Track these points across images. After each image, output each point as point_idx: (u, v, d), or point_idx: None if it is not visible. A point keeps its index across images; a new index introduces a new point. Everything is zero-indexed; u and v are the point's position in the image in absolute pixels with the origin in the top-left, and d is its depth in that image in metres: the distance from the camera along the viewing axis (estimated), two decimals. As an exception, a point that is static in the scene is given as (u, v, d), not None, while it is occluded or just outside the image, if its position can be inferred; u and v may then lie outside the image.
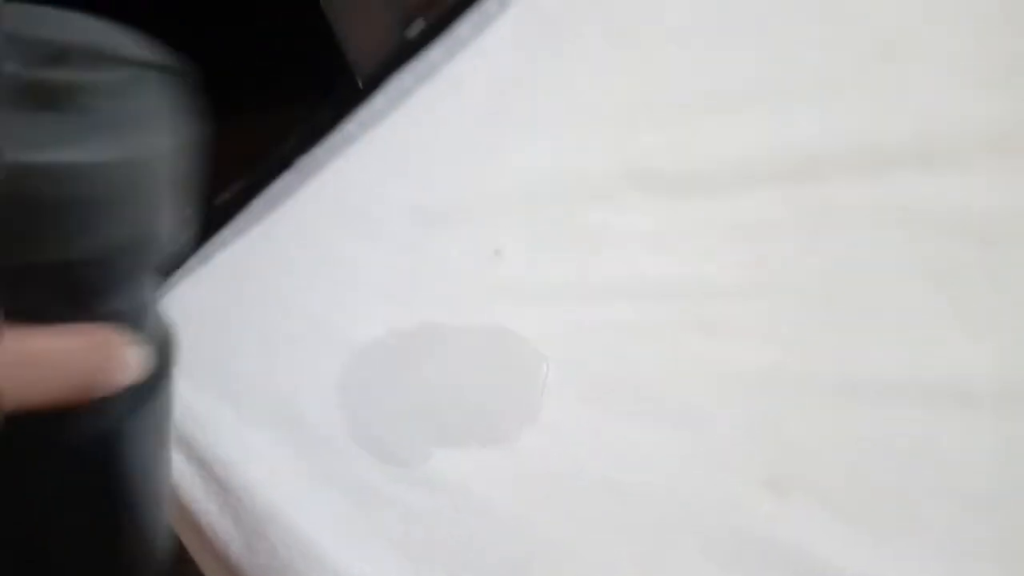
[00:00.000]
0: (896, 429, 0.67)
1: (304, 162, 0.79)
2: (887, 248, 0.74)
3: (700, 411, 0.69)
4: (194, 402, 0.69)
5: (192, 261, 0.75)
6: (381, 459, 0.68)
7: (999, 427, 0.62)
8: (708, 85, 0.81)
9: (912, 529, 0.63)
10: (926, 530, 0.63)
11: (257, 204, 0.77)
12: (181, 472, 0.67)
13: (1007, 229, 0.69)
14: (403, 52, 0.80)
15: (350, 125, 0.79)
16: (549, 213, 0.77)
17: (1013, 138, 0.73)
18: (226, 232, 0.76)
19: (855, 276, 0.74)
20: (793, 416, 0.68)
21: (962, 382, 0.65)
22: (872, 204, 0.76)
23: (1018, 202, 0.70)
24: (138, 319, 0.30)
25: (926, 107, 0.78)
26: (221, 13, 0.72)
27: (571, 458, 0.67)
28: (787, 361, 0.70)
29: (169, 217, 0.29)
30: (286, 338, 0.72)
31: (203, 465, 0.67)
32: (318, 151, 0.79)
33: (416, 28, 0.81)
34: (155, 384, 0.32)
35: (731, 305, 0.73)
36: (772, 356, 0.71)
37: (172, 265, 0.75)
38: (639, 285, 0.74)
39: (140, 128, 0.27)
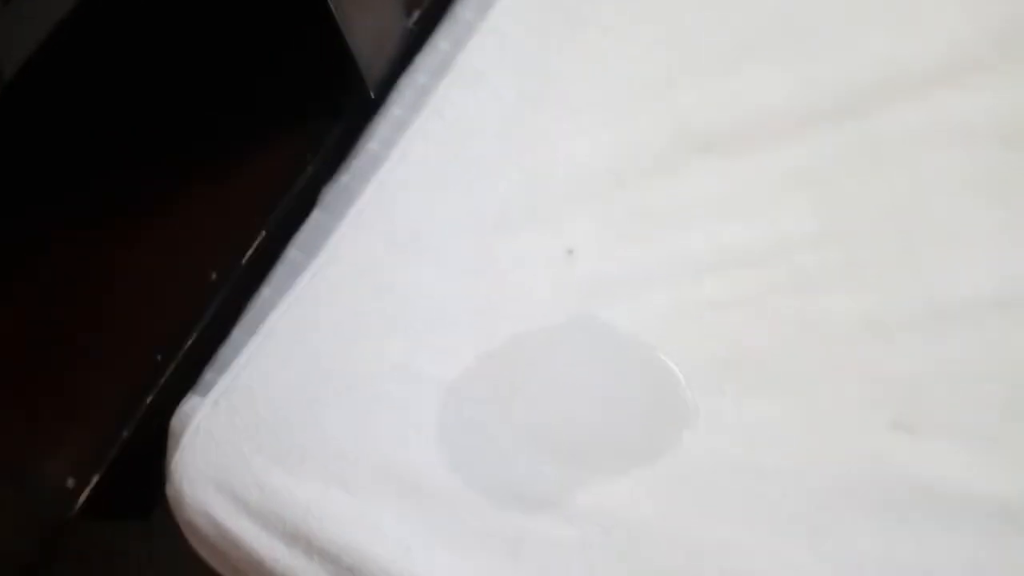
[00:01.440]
0: (998, 346, 0.69)
1: (333, 196, 0.69)
2: (941, 170, 0.74)
3: (815, 373, 0.67)
4: (297, 491, 0.61)
5: (237, 332, 0.66)
6: (510, 505, 0.63)
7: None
8: (734, 35, 0.78)
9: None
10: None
11: (292, 253, 0.68)
12: (304, 572, 0.60)
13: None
14: (408, 43, 0.71)
15: (371, 143, 0.71)
16: (611, 197, 0.72)
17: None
18: (267, 292, 0.67)
19: (918, 204, 0.73)
20: (899, 355, 0.68)
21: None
22: (916, 127, 0.76)
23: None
24: None
25: (945, 24, 0.78)
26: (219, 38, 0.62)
27: (710, 450, 0.65)
28: (880, 303, 0.69)
29: None
30: (373, 395, 0.65)
31: (329, 558, 0.60)
32: (345, 180, 0.70)
33: (415, 16, 0.72)
34: None
35: (813, 258, 0.71)
36: (866, 302, 0.70)
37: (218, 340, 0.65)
38: (720, 256, 0.71)
39: None
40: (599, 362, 0.68)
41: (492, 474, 0.64)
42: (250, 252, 0.67)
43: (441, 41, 0.75)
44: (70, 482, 0.61)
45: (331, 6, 0.64)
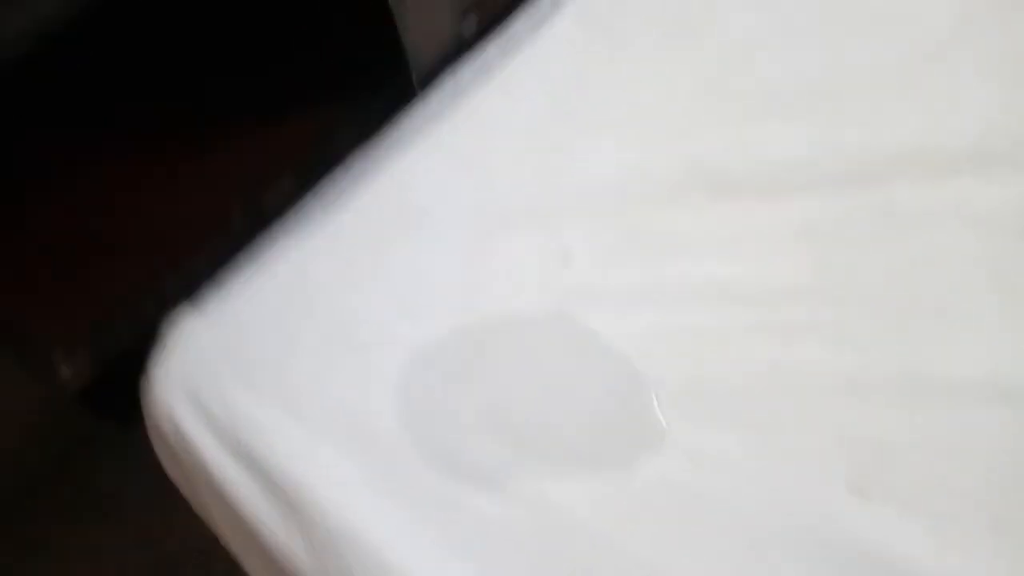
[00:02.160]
0: (976, 431, 0.67)
1: (360, 162, 0.75)
2: (950, 250, 0.75)
3: (781, 417, 0.67)
4: (258, 415, 0.64)
5: (242, 260, 0.71)
6: (452, 473, 0.65)
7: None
8: (766, 86, 0.80)
9: (999, 532, 0.63)
10: (1014, 534, 0.63)
11: (311, 205, 0.73)
12: (246, 490, 0.63)
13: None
14: (459, 50, 0.77)
15: (406, 125, 0.76)
16: (616, 216, 0.75)
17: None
18: (279, 234, 0.72)
19: (921, 278, 0.73)
20: (871, 420, 0.67)
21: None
22: (933, 207, 0.76)
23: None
24: None
25: (980, 107, 0.79)
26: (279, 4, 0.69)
27: (653, 467, 0.65)
28: (861, 365, 0.69)
29: None
30: (349, 345, 0.68)
31: (269, 482, 0.63)
32: (374, 151, 0.75)
33: (471, 25, 0.78)
34: None
35: (803, 310, 0.72)
36: (847, 361, 0.70)
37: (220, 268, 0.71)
38: (712, 290, 0.72)
39: None
40: (573, 362, 0.69)
41: (442, 442, 0.66)
42: (273, 195, 0.72)
43: (490, 48, 0.81)
44: (64, 369, 0.66)
45: (392, 7, 0.70)
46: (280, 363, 0.67)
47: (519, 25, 0.82)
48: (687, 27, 0.84)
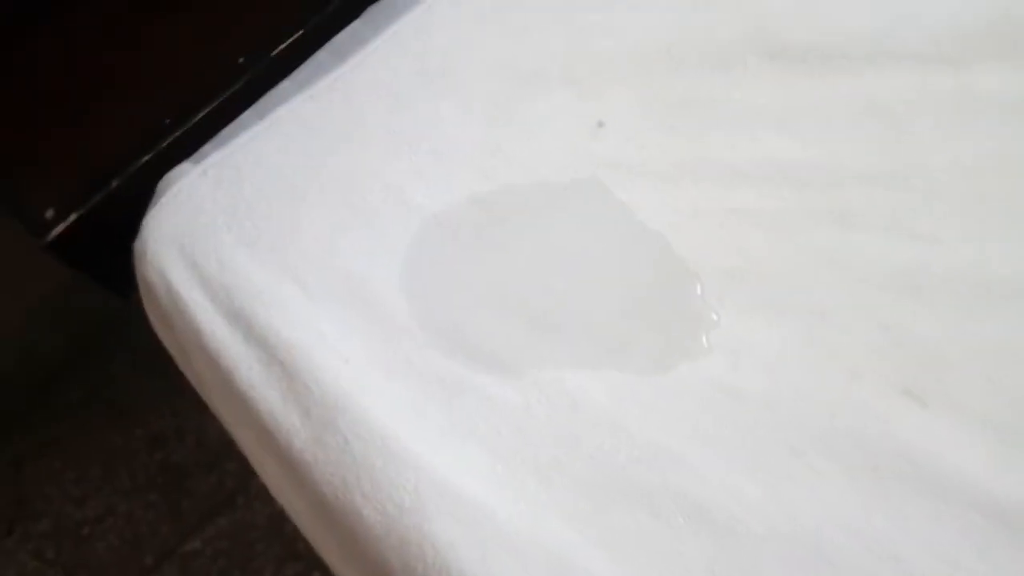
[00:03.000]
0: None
1: (376, 12, 0.68)
2: (1031, 141, 0.67)
3: (830, 311, 0.61)
4: (255, 276, 0.59)
5: (247, 115, 0.65)
6: (462, 353, 0.59)
7: None
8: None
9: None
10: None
11: (322, 55, 0.66)
12: (237, 354, 0.58)
13: None
14: None
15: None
16: (662, 82, 0.67)
17: None
18: (286, 84, 0.66)
19: (995, 168, 0.65)
20: (931, 320, 0.60)
21: None
22: (1014, 93, 0.68)
23: None
24: None
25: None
26: None
27: (682, 354, 0.59)
28: (924, 260, 0.62)
29: None
30: (357, 208, 0.62)
31: (265, 348, 0.58)
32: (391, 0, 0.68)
33: None
34: None
35: (864, 194, 0.65)
36: (908, 254, 0.63)
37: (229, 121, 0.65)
38: (764, 169, 0.65)
39: None
40: (603, 238, 0.63)
41: (451, 318, 0.60)
42: (282, 46, 0.66)
43: None
44: (49, 212, 0.62)
45: None
46: (283, 225, 0.62)
47: None
48: None
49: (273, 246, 0.61)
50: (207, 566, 0.98)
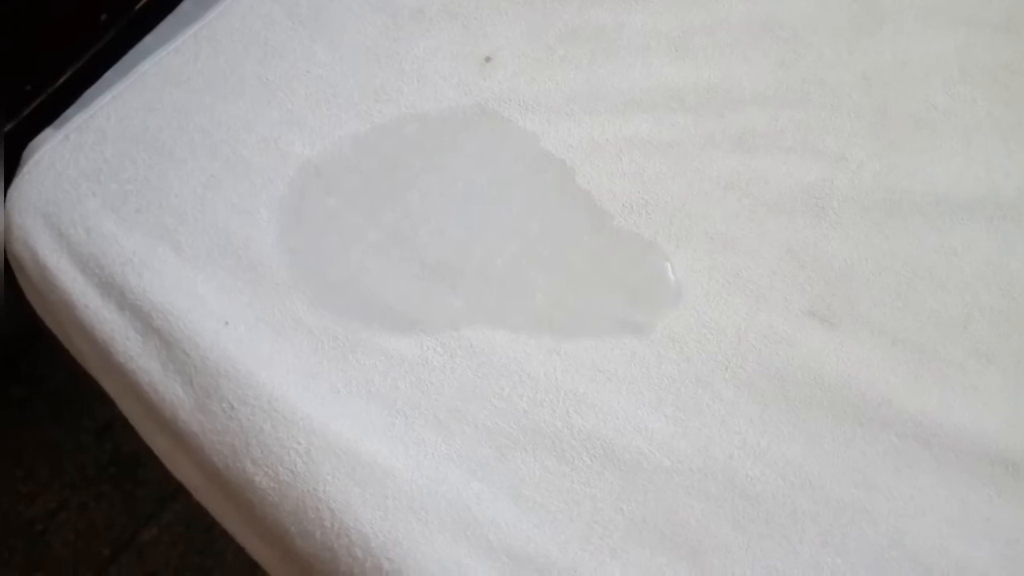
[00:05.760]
0: (959, 251, 0.58)
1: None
2: (936, 52, 0.64)
3: (733, 237, 0.58)
4: (124, 241, 0.56)
5: (110, 74, 0.61)
6: (348, 306, 0.56)
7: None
8: None
9: (982, 361, 0.55)
10: (992, 362, 0.55)
11: (187, 5, 0.63)
12: (112, 325, 0.55)
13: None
14: None
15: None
16: (547, 8, 0.64)
17: None
18: (149, 39, 0.62)
19: (901, 82, 0.64)
20: (836, 239, 0.58)
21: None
22: (911, 2, 0.66)
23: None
24: None
25: None
26: None
27: (583, 293, 0.57)
28: (828, 178, 0.60)
29: None
30: (231, 162, 0.59)
31: (140, 316, 0.55)
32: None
33: None
34: None
35: (764, 116, 0.62)
36: (812, 173, 0.61)
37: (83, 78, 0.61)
38: (657, 96, 0.63)
39: None
40: (498, 179, 0.60)
41: (341, 274, 0.57)
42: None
43: None
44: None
45: None
46: (152, 186, 0.58)
47: None
48: None
49: (140, 208, 0.57)
50: (166, 553, 0.95)
